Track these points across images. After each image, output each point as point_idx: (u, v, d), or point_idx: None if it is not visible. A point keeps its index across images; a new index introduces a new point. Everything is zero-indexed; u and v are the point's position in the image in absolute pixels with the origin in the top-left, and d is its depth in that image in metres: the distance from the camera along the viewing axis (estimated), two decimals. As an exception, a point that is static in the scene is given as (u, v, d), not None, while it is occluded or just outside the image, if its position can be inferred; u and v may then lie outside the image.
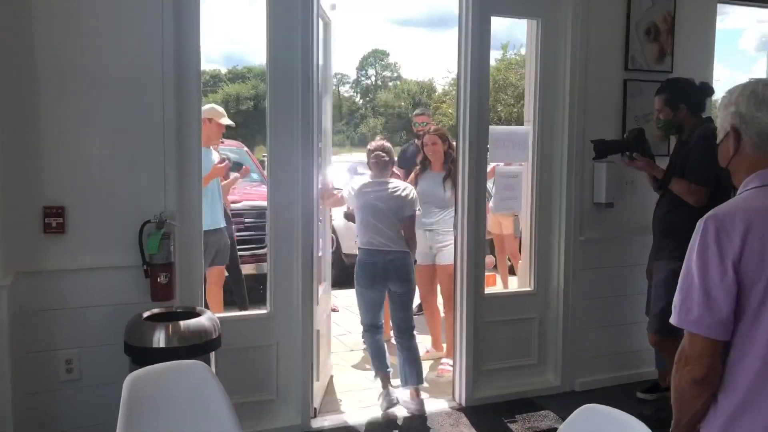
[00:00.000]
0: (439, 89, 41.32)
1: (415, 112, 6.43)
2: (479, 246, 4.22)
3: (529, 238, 4.47)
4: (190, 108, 3.48)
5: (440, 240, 4.85)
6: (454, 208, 4.35)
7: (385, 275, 4.14)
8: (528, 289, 4.49)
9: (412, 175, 5.09)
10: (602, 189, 4.33)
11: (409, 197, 4.23)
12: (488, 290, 4.44)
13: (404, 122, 36.91)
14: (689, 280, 1.63)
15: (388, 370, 4.23)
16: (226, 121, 5.08)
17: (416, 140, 5.82)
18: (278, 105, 3.71)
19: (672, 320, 1.66)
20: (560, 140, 4.35)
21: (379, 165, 4.25)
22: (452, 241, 4.37)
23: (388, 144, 4.40)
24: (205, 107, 4.79)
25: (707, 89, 3.88)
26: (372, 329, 4.27)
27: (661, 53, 4.48)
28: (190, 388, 2.18)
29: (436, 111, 27.10)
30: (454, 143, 4.42)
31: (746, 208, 1.66)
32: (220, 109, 5.10)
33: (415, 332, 4.30)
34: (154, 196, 3.41)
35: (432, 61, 78.06)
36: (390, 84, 54.22)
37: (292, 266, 3.79)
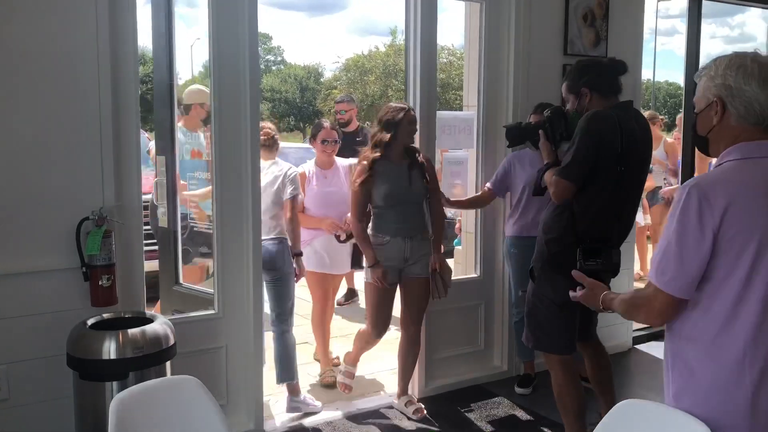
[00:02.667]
0: (329, 74, 41.09)
1: (336, 99, 6.30)
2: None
3: (475, 223, 4.44)
4: (127, 95, 3.15)
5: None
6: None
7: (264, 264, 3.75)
8: (474, 275, 4.47)
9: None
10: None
11: (288, 178, 3.98)
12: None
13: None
14: (667, 242, 1.74)
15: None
16: None
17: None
18: (222, 96, 3.43)
19: (649, 275, 1.80)
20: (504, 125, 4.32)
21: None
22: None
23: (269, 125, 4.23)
24: (193, 88, 4.40)
25: (616, 67, 3.15)
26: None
27: (597, 38, 4.56)
28: (182, 407, 1.94)
29: (327, 96, 26.92)
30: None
31: (729, 180, 1.74)
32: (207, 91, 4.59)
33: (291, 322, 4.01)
34: (92, 190, 3.06)
35: (317, 45, 77.28)
36: (274, 68, 53.18)
37: (242, 264, 3.54)
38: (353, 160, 4.29)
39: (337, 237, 4.31)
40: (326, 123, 4.46)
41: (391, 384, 4.27)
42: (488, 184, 4.20)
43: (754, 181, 1.72)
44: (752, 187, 1.71)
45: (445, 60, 26.14)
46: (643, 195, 5.70)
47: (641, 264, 6.83)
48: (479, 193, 4.28)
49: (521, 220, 4.12)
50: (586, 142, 2.94)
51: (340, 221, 4.32)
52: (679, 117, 6.94)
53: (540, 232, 3.24)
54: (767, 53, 5.39)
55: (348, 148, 5.00)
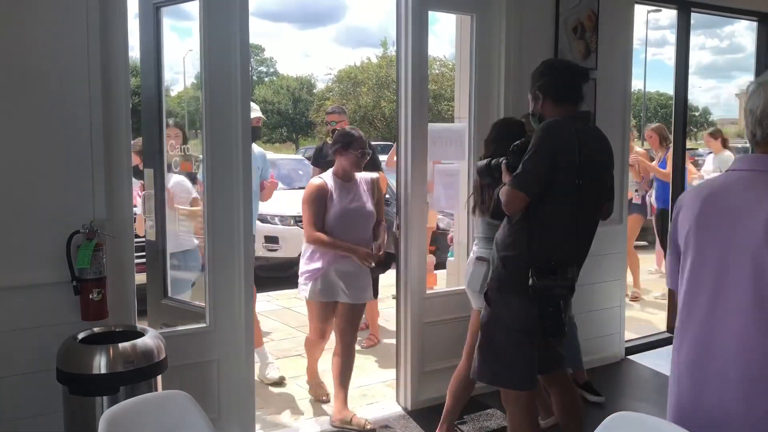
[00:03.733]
0: (321, 85, 41.14)
1: (327, 110, 6.27)
2: (422, 245, 4.14)
3: (467, 234, 4.44)
4: (118, 108, 3.14)
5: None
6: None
7: None
8: (464, 287, 4.45)
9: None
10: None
11: None
12: (429, 290, 4.36)
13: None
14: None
15: None
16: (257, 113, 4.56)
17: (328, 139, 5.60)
18: (213, 101, 3.43)
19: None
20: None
21: None
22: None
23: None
24: None
25: (573, 74, 2.97)
26: None
27: (587, 50, 4.59)
28: (173, 422, 1.92)
29: (320, 107, 26.98)
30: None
31: (700, 186, 1.89)
32: (254, 106, 4.46)
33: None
34: (82, 203, 3.04)
35: (309, 57, 77.50)
36: (266, 79, 53.23)
37: (234, 276, 3.53)
38: (374, 174, 4.28)
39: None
40: (356, 132, 4.11)
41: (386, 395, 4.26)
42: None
43: (714, 188, 1.80)
44: (709, 194, 1.79)
45: (437, 71, 26.27)
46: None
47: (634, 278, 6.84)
48: None
49: None
50: (540, 151, 2.75)
51: (367, 245, 4.00)
52: (649, 130, 6.98)
53: (494, 251, 3.00)
54: (755, 63, 5.39)
55: None
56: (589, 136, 2.88)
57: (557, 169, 2.76)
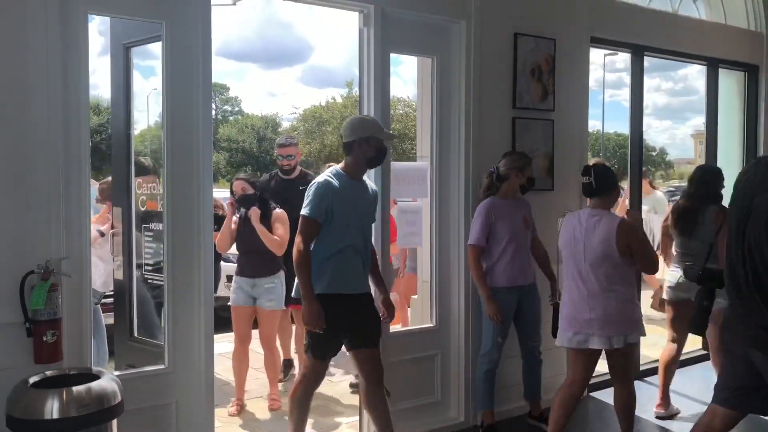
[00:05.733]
0: (286, 124, 41.23)
1: (278, 142, 5.50)
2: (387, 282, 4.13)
3: (430, 272, 4.46)
4: (78, 145, 3.11)
5: None
6: None
7: None
8: (429, 324, 4.46)
9: None
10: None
11: None
12: (392, 329, 4.34)
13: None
14: None
15: None
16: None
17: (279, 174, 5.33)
18: (174, 147, 3.43)
19: None
20: (456, 175, 4.40)
21: None
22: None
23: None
24: None
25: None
26: None
27: (544, 92, 4.70)
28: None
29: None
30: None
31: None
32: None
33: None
34: (38, 243, 2.99)
35: (274, 96, 77.75)
36: (231, 118, 53.17)
37: (193, 316, 3.47)
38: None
39: None
40: None
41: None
42: (475, 241, 4.12)
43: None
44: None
45: (401, 111, 26.56)
46: None
47: None
48: (475, 260, 4.14)
49: (509, 269, 4.15)
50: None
51: None
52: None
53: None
54: (705, 105, 5.57)
55: (293, 195, 4.76)
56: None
57: None
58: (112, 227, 4.37)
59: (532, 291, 4.33)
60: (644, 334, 3.79)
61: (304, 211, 3.44)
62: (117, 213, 3.88)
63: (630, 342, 3.67)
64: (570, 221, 3.77)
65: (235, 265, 4.84)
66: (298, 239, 3.42)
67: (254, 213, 4.62)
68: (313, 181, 3.55)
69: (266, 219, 4.67)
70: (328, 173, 3.56)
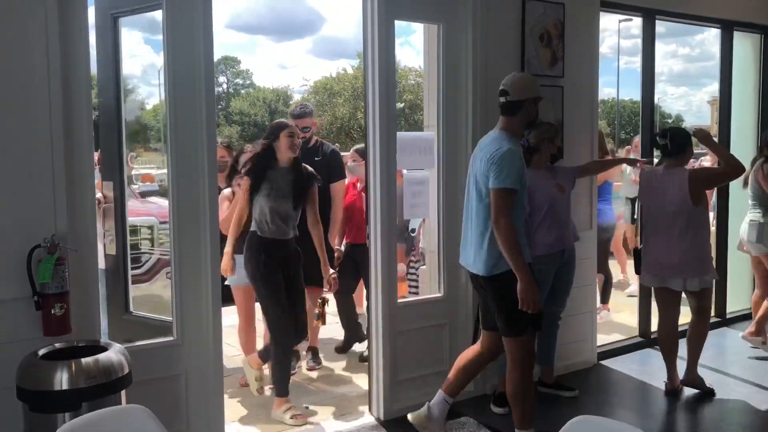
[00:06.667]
0: (297, 97, 41.12)
1: (292, 112, 5.15)
2: (392, 254, 4.13)
3: (437, 243, 4.44)
4: (80, 118, 3.10)
5: None
6: None
7: None
8: (438, 294, 4.46)
9: None
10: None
11: None
12: (400, 299, 4.35)
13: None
14: None
15: None
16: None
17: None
18: (177, 111, 3.41)
19: None
20: (464, 145, 4.35)
21: None
22: None
23: None
24: None
25: None
26: None
27: (553, 58, 4.63)
28: (131, 438, 1.89)
29: (297, 118, 26.96)
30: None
31: None
32: None
33: None
34: (43, 216, 3.00)
35: (285, 69, 77.42)
36: (243, 92, 53.09)
37: (201, 288, 3.49)
38: None
39: None
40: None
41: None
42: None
43: None
44: None
45: (413, 81, 26.39)
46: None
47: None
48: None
49: (548, 237, 4.08)
50: None
51: None
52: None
53: None
54: (719, 70, 5.52)
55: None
56: None
57: None
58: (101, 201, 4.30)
59: (571, 257, 4.30)
60: (717, 278, 4.57)
61: (502, 184, 3.23)
62: (108, 187, 3.87)
63: (704, 285, 4.27)
64: (648, 176, 4.39)
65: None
66: (500, 214, 3.23)
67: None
68: (495, 151, 3.31)
69: None
70: (501, 138, 3.38)
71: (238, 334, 4.79)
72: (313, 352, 5.19)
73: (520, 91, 3.42)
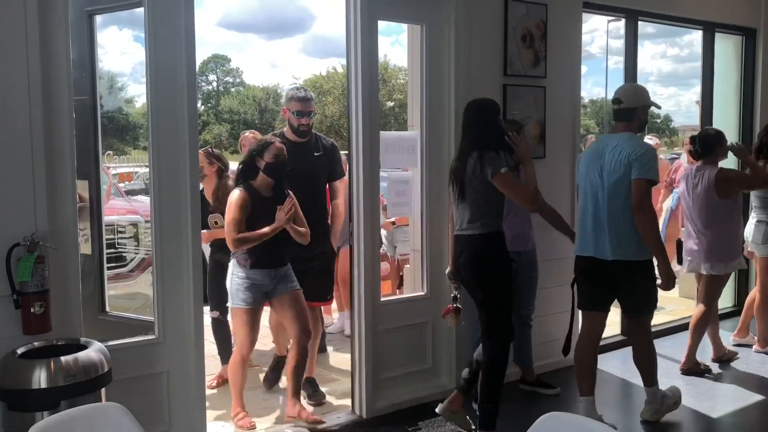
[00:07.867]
0: (287, 95, 40.95)
1: (296, 95, 4.31)
2: (375, 252, 4.15)
3: (421, 241, 4.47)
4: (60, 114, 3.10)
5: None
6: None
7: None
8: (421, 293, 4.49)
9: None
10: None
11: None
12: (384, 297, 4.37)
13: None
14: None
15: None
16: None
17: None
18: (159, 109, 3.42)
19: None
20: (447, 144, 4.38)
21: None
22: None
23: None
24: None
25: None
26: None
27: (536, 58, 4.66)
28: (105, 435, 1.90)
29: (286, 117, 26.94)
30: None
31: None
32: None
33: None
34: (23, 214, 2.99)
35: (276, 67, 77.26)
36: (233, 90, 52.92)
37: (183, 286, 3.50)
38: None
39: None
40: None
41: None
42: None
43: None
44: None
45: (403, 81, 26.37)
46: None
47: None
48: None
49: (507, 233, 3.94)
50: None
51: None
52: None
53: None
54: (701, 70, 5.58)
55: (304, 162, 4.28)
56: None
57: None
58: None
59: (530, 259, 4.33)
60: (744, 266, 5.01)
61: (646, 175, 3.63)
62: (83, 186, 3.86)
63: (728, 270, 4.78)
64: (686, 174, 4.90)
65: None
66: (643, 201, 3.63)
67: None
68: (638, 146, 3.71)
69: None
70: (634, 138, 3.80)
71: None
72: (311, 384, 4.47)
73: (634, 99, 3.87)
